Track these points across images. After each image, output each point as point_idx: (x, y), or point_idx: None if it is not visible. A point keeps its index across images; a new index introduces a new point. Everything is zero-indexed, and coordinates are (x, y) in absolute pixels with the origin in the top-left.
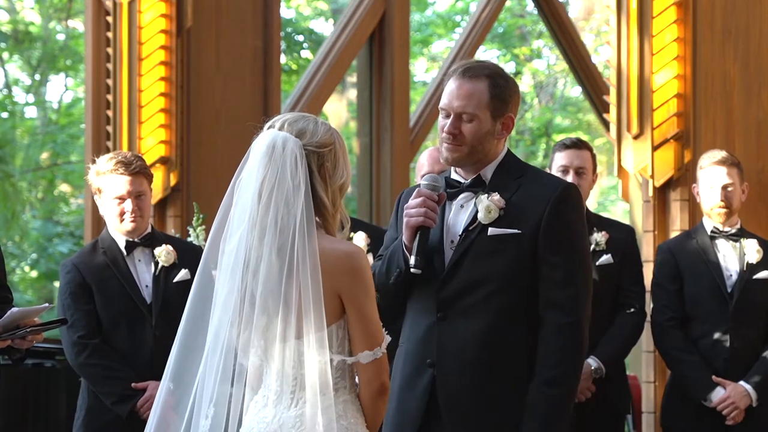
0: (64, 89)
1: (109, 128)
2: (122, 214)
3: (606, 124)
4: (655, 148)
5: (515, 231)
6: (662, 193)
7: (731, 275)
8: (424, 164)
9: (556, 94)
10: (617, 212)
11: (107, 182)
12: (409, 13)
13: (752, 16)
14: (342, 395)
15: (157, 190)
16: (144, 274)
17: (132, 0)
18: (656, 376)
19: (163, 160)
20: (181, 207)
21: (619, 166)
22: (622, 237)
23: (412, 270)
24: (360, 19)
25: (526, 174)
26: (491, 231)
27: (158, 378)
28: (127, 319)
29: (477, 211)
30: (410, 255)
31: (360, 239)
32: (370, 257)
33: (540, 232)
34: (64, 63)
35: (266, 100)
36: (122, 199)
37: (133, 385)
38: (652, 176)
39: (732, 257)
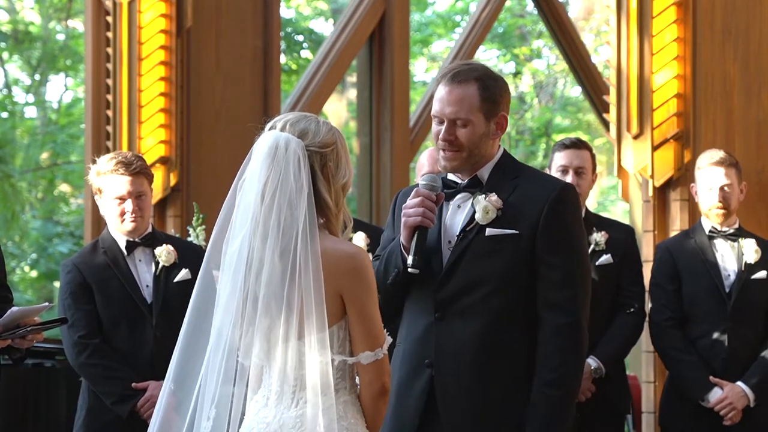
0: (64, 89)
1: (109, 128)
2: (123, 214)
3: (606, 124)
4: (654, 148)
5: (513, 231)
6: (662, 193)
7: (729, 275)
8: (424, 164)
9: (556, 94)
10: (617, 212)
11: (108, 182)
12: (409, 13)
13: (752, 16)
14: (342, 396)
15: (157, 190)
16: (144, 274)
17: (132, 0)
18: (656, 376)
19: (163, 160)
20: (181, 207)
21: (619, 166)
22: (622, 237)
23: (409, 270)
24: (360, 19)
25: (522, 174)
26: (489, 231)
27: (158, 378)
28: (128, 319)
29: (474, 212)
30: (408, 255)
31: (360, 239)
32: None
33: (538, 233)
34: (64, 63)
35: (266, 100)
36: (123, 199)
37: (133, 385)
38: (652, 176)
39: (730, 257)
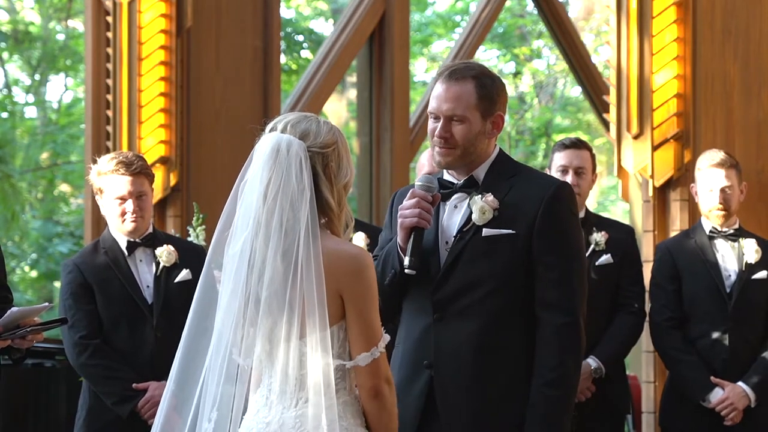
0: (64, 89)
1: (109, 128)
2: (123, 214)
3: (606, 124)
4: (654, 148)
5: (510, 231)
6: (662, 193)
7: (730, 275)
8: (424, 164)
9: (556, 94)
10: (617, 212)
11: (108, 182)
12: (409, 13)
13: (752, 16)
14: (342, 396)
15: (157, 190)
16: (145, 275)
17: (132, 0)
18: (656, 376)
19: (163, 160)
20: (181, 207)
21: (619, 166)
22: (622, 237)
23: (406, 271)
24: (360, 19)
25: (518, 173)
26: (485, 232)
27: (159, 378)
28: (128, 320)
29: (471, 212)
30: (405, 256)
31: (359, 239)
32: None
33: (534, 232)
34: (64, 63)
35: (266, 100)
36: (123, 199)
37: (134, 385)
38: (652, 176)
39: (730, 257)
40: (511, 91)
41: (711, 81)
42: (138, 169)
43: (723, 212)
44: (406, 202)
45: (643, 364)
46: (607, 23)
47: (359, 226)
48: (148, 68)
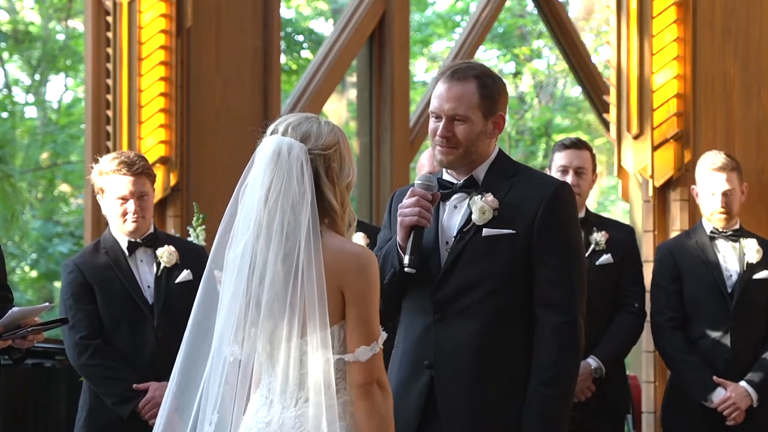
0: (64, 89)
1: (109, 128)
2: (124, 214)
3: (606, 124)
4: (655, 148)
5: (510, 231)
6: (662, 193)
7: (731, 275)
8: (425, 164)
9: (556, 94)
10: (617, 212)
11: (110, 182)
12: (409, 13)
13: (752, 16)
14: (342, 396)
15: (157, 190)
16: (146, 275)
17: (132, 0)
18: (656, 376)
19: (163, 160)
20: (181, 207)
21: (619, 166)
22: (622, 237)
23: (406, 270)
24: (360, 19)
25: (518, 173)
26: (486, 232)
27: (159, 379)
28: (129, 320)
29: (471, 212)
30: (404, 255)
31: (359, 239)
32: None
33: (534, 232)
34: (64, 63)
35: (266, 100)
36: (125, 199)
37: (134, 386)
38: (652, 176)
39: (732, 257)
40: (511, 91)
41: (711, 81)
42: (140, 169)
43: (725, 215)
44: (406, 201)
45: (643, 364)
46: (607, 23)
47: (359, 226)
48: (148, 68)
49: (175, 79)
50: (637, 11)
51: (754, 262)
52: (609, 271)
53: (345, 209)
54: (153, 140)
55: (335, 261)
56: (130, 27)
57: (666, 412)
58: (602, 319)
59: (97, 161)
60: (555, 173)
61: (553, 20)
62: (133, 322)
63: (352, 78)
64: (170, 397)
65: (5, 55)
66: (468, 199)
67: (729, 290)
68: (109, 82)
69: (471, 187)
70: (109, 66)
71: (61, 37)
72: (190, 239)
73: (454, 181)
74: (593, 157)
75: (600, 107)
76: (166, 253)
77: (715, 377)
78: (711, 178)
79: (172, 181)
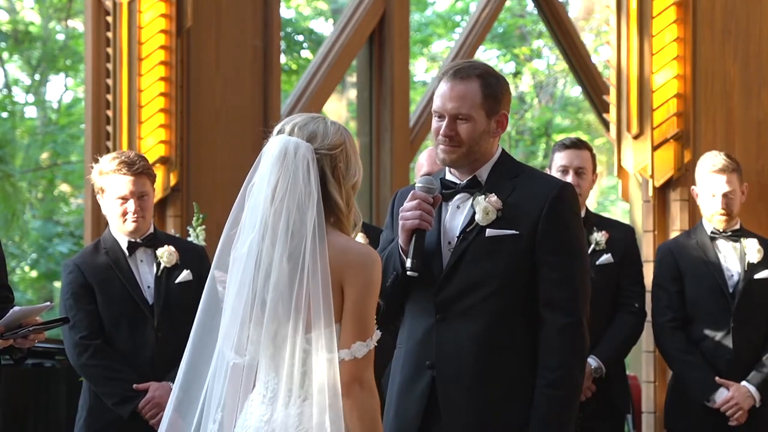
0: (64, 89)
1: (109, 128)
2: (125, 214)
3: (606, 124)
4: (654, 148)
5: (513, 232)
6: (662, 193)
7: (732, 275)
8: (423, 164)
9: (556, 94)
10: (617, 212)
11: (110, 182)
12: (409, 13)
13: (752, 16)
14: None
15: (157, 190)
16: (146, 275)
17: (132, 0)
18: (656, 376)
19: (163, 160)
20: (181, 207)
21: (619, 166)
22: (622, 237)
23: (408, 273)
24: (360, 19)
25: (521, 174)
26: (489, 232)
27: (159, 379)
28: (129, 320)
29: (474, 213)
30: (406, 258)
31: (359, 239)
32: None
33: (537, 233)
34: (64, 63)
35: (266, 100)
36: (125, 199)
37: (134, 386)
38: (652, 176)
39: (732, 257)
40: (511, 91)
41: (711, 81)
42: (140, 169)
43: (725, 217)
44: (407, 204)
45: (643, 364)
46: (607, 23)
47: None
48: (148, 68)
49: (175, 79)
50: (637, 11)
51: (755, 262)
52: (609, 271)
53: (351, 209)
54: (153, 140)
55: (339, 258)
56: (130, 27)
57: (668, 413)
58: (602, 319)
59: (97, 161)
60: (555, 173)
61: (553, 20)
62: (133, 322)
63: (352, 78)
64: (174, 397)
65: (5, 55)
66: (471, 200)
67: (730, 290)
68: (109, 82)
69: (474, 188)
70: (109, 66)
71: (61, 37)
72: (190, 239)
73: (457, 181)
74: (593, 157)
75: (600, 107)
76: (166, 253)
77: (717, 378)
78: (711, 179)
79: (172, 181)
